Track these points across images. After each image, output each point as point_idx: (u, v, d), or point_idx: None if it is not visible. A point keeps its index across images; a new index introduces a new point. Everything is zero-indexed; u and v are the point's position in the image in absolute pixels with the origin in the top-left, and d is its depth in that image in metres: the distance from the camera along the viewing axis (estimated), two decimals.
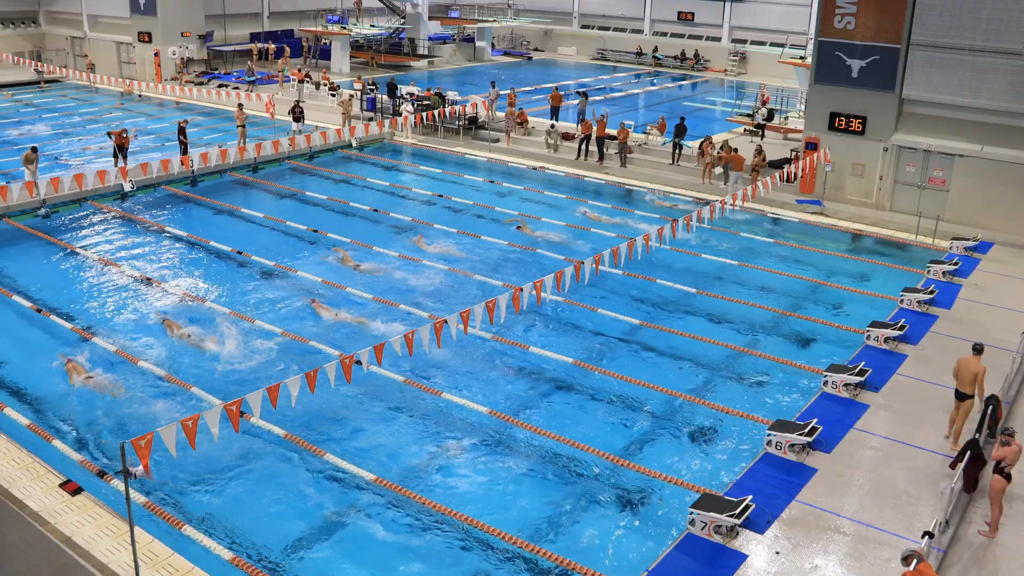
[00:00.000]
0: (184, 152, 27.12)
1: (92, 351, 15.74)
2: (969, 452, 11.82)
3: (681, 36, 55.18)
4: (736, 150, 26.69)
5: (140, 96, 39.45)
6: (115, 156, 26.59)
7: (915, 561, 9.23)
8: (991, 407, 12.70)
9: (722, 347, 16.49)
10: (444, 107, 32.31)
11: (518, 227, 23.07)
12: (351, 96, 33.63)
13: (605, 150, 29.24)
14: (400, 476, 12.43)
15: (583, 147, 29.56)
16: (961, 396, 13.17)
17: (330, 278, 19.34)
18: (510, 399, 14.66)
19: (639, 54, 54.89)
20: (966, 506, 11.80)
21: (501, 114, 33.55)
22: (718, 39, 53.65)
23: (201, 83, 41.27)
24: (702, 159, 27.62)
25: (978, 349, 13.29)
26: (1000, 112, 22.80)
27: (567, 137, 31.18)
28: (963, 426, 13.20)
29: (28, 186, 21.58)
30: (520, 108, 33.60)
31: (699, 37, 54.47)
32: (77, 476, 11.95)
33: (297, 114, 30.84)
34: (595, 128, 29.08)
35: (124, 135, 26.80)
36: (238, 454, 12.82)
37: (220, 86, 39.57)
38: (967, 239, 21.93)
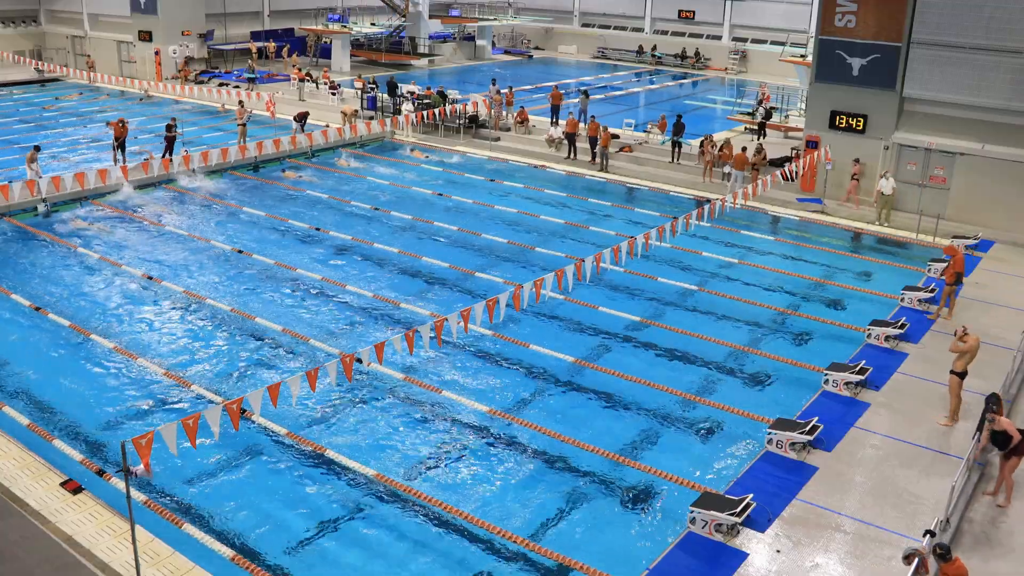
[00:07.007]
0: (168, 150, 26.82)
1: (91, 349, 15.76)
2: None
3: (682, 34, 55.16)
4: (744, 148, 26.65)
5: (146, 95, 39.09)
6: (114, 149, 26.50)
7: (916, 560, 9.24)
8: (991, 405, 12.68)
9: (723, 345, 16.47)
10: (445, 106, 32.31)
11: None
12: (355, 111, 33.50)
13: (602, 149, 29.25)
14: (401, 473, 12.43)
15: (571, 145, 29.66)
16: (964, 375, 13.71)
17: (330, 276, 19.39)
18: (510, 397, 14.65)
19: (640, 52, 54.85)
20: (967, 506, 11.81)
21: (512, 113, 33.58)
22: (719, 37, 53.62)
23: (201, 82, 41.23)
24: (702, 158, 27.62)
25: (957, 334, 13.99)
26: (1001, 110, 22.77)
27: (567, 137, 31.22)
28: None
29: (29, 185, 21.57)
30: (521, 106, 33.63)
31: (699, 35, 54.44)
32: (78, 475, 11.95)
33: (301, 120, 30.71)
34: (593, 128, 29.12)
35: (123, 125, 26.62)
36: (239, 452, 12.82)
37: (220, 85, 39.54)
38: (968, 237, 21.92)
